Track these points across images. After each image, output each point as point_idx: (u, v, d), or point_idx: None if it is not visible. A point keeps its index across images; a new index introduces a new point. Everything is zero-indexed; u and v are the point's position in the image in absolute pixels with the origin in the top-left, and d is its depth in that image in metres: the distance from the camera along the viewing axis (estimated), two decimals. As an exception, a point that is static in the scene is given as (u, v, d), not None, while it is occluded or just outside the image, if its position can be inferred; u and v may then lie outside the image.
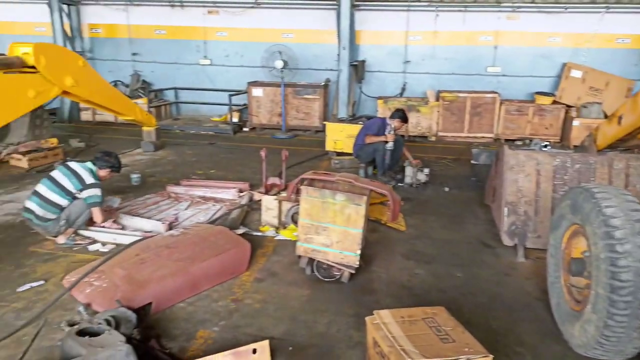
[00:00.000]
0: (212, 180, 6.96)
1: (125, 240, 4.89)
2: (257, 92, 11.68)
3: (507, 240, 5.05)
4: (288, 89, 11.44)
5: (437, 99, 11.08)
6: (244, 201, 6.00)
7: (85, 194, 4.86)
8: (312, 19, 12.21)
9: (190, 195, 6.34)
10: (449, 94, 11.02)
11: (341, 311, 3.76)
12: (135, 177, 7.07)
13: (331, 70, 12.23)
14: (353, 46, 11.72)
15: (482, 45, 11.83)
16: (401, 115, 7.42)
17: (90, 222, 5.08)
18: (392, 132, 7.33)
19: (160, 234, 4.82)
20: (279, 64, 10.84)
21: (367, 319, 3.00)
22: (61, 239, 4.94)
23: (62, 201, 4.82)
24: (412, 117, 10.81)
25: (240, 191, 6.42)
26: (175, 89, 13.11)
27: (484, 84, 11.89)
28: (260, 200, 5.72)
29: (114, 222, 5.15)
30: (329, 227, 4.04)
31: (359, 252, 4.06)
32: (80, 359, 2.65)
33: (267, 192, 5.75)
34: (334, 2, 11.71)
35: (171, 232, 4.77)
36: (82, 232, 5.09)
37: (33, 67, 5.52)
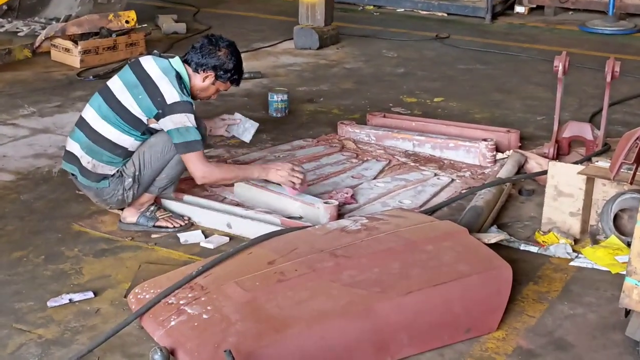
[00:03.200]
0: (435, 120, 5.15)
1: (250, 229, 3.73)
2: None
3: None
4: None
5: None
6: (505, 172, 4.41)
7: (168, 123, 3.43)
8: None
9: (387, 149, 4.82)
10: None
11: None
12: (276, 100, 5.38)
13: None
14: None
15: None
16: None
17: (183, 187, 3.84)
18: None
19: (321, 226, 3.68)
20: None
21: None
22: (130, 215, 3.70)
23: (126, 139, 3.52)
24: None
25: (497, 149, 4.73)
26: None
27: None
28: (542, 172, 4.23)
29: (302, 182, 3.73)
30: None
31: None
32: None
33: (558, 155, 4.39)
34: None
35: (342, 223, 3.60)
36: (168, 203, 3.89)
37: None
